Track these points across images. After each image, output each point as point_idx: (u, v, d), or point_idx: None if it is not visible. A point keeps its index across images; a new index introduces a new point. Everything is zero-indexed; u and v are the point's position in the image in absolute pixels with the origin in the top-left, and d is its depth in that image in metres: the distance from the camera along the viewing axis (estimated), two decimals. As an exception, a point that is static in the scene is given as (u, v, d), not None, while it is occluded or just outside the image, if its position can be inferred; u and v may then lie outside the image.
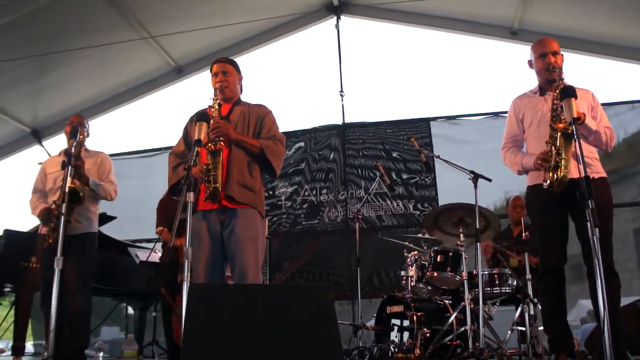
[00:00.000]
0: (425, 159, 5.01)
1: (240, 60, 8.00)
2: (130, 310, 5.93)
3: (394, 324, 4.48)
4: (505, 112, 3.82)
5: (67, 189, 3.50)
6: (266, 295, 2.40)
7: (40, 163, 4.84)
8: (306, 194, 7.41)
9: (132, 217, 7.24)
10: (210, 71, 3.56)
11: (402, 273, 4.87)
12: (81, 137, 4.21)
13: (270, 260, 6.18)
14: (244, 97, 3.66)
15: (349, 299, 6.39)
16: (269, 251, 6.15)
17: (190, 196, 2.65)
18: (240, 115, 3.47)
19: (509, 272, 4.49)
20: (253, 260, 3.21)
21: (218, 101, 3.42)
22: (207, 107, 3.48)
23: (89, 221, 4.32)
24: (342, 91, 7.62)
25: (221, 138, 3.20)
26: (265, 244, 3.50)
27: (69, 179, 3.55)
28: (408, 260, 4.86)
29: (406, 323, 4.34)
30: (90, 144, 4.56)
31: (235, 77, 3.58)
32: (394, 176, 7.06)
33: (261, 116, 3.51)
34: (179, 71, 7.96)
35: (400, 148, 7.25)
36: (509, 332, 4.25)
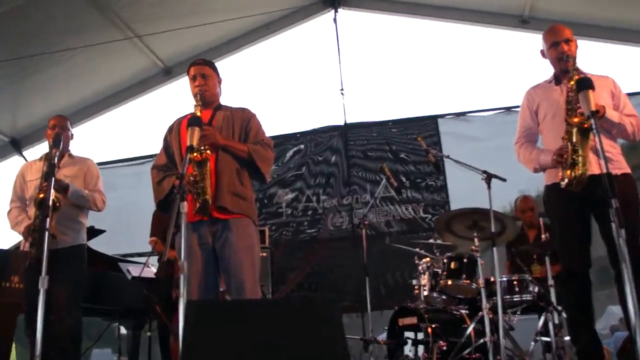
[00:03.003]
0: (434, 159, 4.97)
1: (232, 59, 8.07)
2: (123, 331, 5.87)
3: (408, 337, 4.45)
4: (518, 107, 3.79)
5: (50, 203, 3.39)
6: (269, 311, 2.38)
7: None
8: (308, 200, 7.39)
9: (122, 229, 7.23)
10: (188, 74, 3.54)
11: (414, 282, 4.86)
12: (65, 143, 4.15)
13: (272, 272, 6.15)
14: (226, 100, 3.64)
15: (357, 311, 6.37)
16: (271, 262, 6.12)
17: (185, 206, 2.62)
18: (223, 120, 3.45)
19: (530, 278, 4.46)
20: (250, 271, 3.20)
21: (199, 107, 3.38)
22: (186, 114, 3.44)
23: (76, 232, 4.23)
24: (342, 89, 7.62)
25: (207, 147, 3.17)
26: (260, 255, 3.47)
27: (52, 192, 3.45)
28: (420, 268, 4.84)
29: (420, 336, 4.31)
30: (74, 150, 4.48)
31: (215, 79, 3.55)
32: (401, 178, 7.04)
33: (246, 120, 3.50)
34: (167, 72, 7.96)
35: (407, 148, 7.23)
36: (533, 343, 4.21)
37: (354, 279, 6.77)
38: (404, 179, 7.08)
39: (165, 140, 3.54)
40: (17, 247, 4.77)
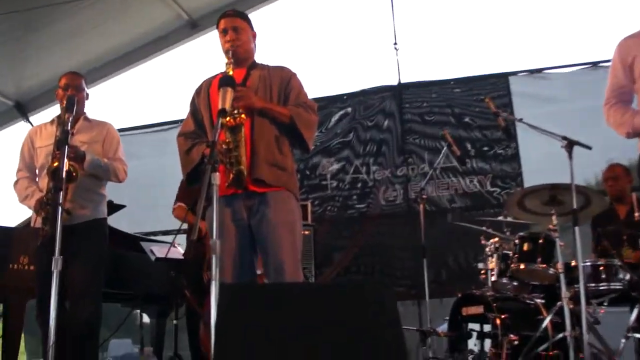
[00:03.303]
0: (505, 124, 4.88)
1: (267, 10, 8.04)
2: (146, 319, 6.01)
3: (472, 330, 4.44)
4: (607, 61, 3.69)
5: (63, 174, 3.41)
6: (313, 296, 2.38)
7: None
8: (356, 171, 7.39)
9: (143, 205, 7.41)
10: (217, 28, 3.51)
11: (480, 265, 4.83)
12: (80, 105, 4.12)
13: (315, 253, 6.20)
14: (261, 58, 3.61)
15: (413, 298, 6.41)
16: (314, 241, 6.16)
17: (217, 177, 2.64)
18: (259, 80, 3.43)
19: (620, 264, 4.36)
20: (290, 251, 3.22)
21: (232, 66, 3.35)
22: (217, 74, 3.44)
23: (95, 205, 4.20)
24: (396, 44, 7.56)
25: (241, 110, 3.16)
26: (302, 233, 3.48)
27: (66, 161, 3.46)
28: (487, 249, 4.80)
29: (487, 328, 4.29)
30: (90, 114, 4.42)
31: (248, 33, 3.52)
32: (466, 146, 6.98)
33: (285, 80, 3.47)
34: (193, 26, 8.02)
35: (473, 111, 7.16)
36: (623, 340, 4.13)
37: (409, 261, 6.81)
38: (468, 147, 7.03)
39: (193, 103, 3.55)
40: (26, 223, 4.87)
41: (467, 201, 6.98)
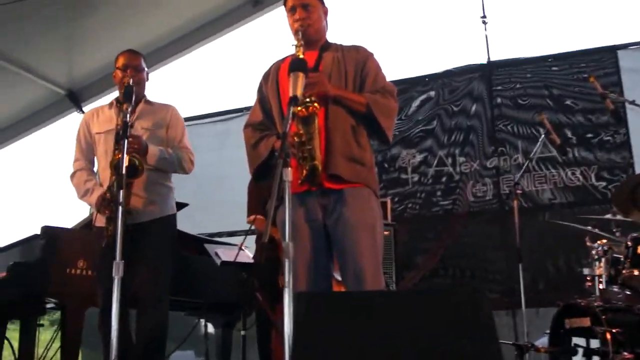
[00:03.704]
0: (613, 106, 4.78)
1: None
2: (210, 328, 6.11)
3: (577, 345, 4.37)
4: None
5: (123, 170, 3.44)
6: (397, 305, 2.40)
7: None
8: (440, 163, 7.37)
9: (203, 203, 7.53)
10: (285, 5, 3.53)
11: (585, 271, 4.74)
12: (140, 87, 4.15)
13: (396, 255, 6.21)
14: (334, 36, 3.63)
15: (507, 307, 6.34)
16: (394, 243, 6.17)
17: (289, 173, 2.67)
18: (333, 63, 3.44)
19: None
20: (371, 255, 3.22)
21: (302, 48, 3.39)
22: (286, 57, 3.48)
23: (163, 199, 4.22)
24: (484, 17, 7.49)
25: (314, 98, 3.14)
26: (383, 234, 3.49)
27: (125, 157, 3.48)
28: (593, 252, 4.71)
29: (595, 343, 4.22)
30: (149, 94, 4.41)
31: (319, 10, 3.52)
32: (567, 133, 6.88)
33: (361, 62, 3.47)
34: (256, 2, 8.10)
35: (574, 92, 7.04)
36: None
37: (502, 265, 6.76)
38: (569, 134, 6.92)
39: (260, 90, 3.59)
40: (85, 223, 5.04)
41: (569, 196, 6.86)
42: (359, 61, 3.48)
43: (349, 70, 3.44)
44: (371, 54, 3.54)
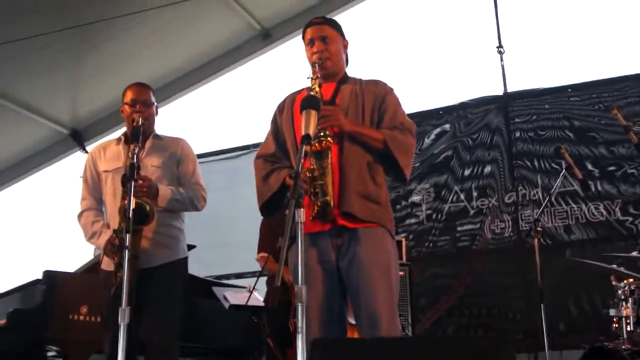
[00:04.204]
0: (638, 138, 4.78)
1: (350, 14, 8.10)
2: (219, 375, 6.08)
3: (604, 390, 4.31)
4: None
5: (130, 214, 3.44)
6: (415, 354, 2.38)
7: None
8: (456, 198, 7.33)
9: (213, 243, 7.53)
10: (303, 38, 3.55)
11: (612, 312, 4.68)
12: (149, 122, 4.12)
13: (411, 297, 6.16)
14: (353, 70, 3.63)
15: (529, 350, 6.30)
16: (409, 283, 6.13)
17: (302, 214, 2.65)
18: (350, 97, 3.44)
19: None
20: (385, 298, 3.19)
21: (318, 80, 3.37)
22: (302, 89, 3.49)
23: (175, 241, 4.14)
24: (500, 47, 7.51)
25: (328, 132, 3.17)
26: (399, 276, 3.45)
27: (132, 200, 3.49)
28: (619, 292, 4.66)
29: (623, 388, 4.16)
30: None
31: (339, 43, 3.53)
32: (588, 166, 6.84)
33: (380, 97, 3.47)
34: (266, 36, 8.17)
35: (596, 123, 6.99)
36: None
37: (522, 305, 6.70)
38: (591, 167, 6.86)
39: (275, 122, 3.59)
40: (90, 265, 5.02)
41: (591, 233, 6.79)
42: (378, 96, 3.47)
43: (367, 104, 3.44)
44: (391, 89, 3.54)
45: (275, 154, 3.51)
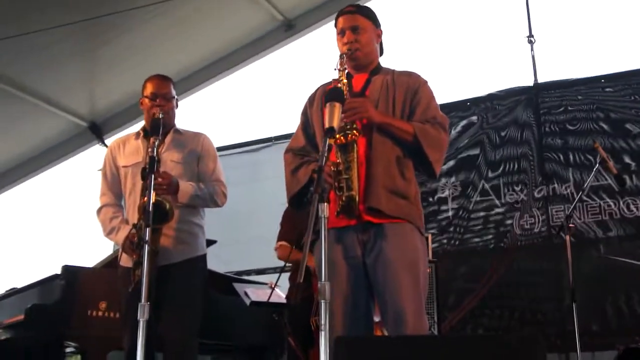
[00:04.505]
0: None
1: (376, 3, 8.05)
2: (237, 373, 6.10)
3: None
4: None
5: (150, 207, 3.45)
6: (442, 352, 2.36)
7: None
8: (484, 193, 7.29)
9: (233, 239, 7.56)
10: (335, 27, 3.54)
11: (647, 311, 4.65)
12: (170, 116, 4.12)
13: (437, 294, 6.13)
14: (387, 61, 3.61)
15: (560, 350, 6.28)
16: (435, 281, 6.10)
17: (325, 209, 2.63)
18: (381, 88, 3.43)
19: None
20: (412, 296, 3.17)
21: (347, 71, 3.37)
22: (332, 80, 3.44)
23: (194, 238, 4.16)
24: (531, 36, 7.47)
25: (355, 125, 3.16)
26: (427, 274, 3.43)
27: (153, 193, 3.51)
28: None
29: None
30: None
31: (372, 33, 3.52)
32: (626, 160, 6.77)
33: (412, 89, 3.44)
34: (289, 27, 8.17)
35: (632, 114, 6.90)
36: None
37: (552, 304, 6.64)
38: (628, 161, 6.79)
39: (305, 114, 3.58)
40: (109, 260, 5.05)
41: (627, 229, 6.70)
42: (410, 88, 3.45)
43: (398, 96, 3.42)
44: (425, 82, 3.51)
45: (305, 148, 3.52)
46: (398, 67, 3.58)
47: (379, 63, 3.57)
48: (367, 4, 7.76)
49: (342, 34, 3.46)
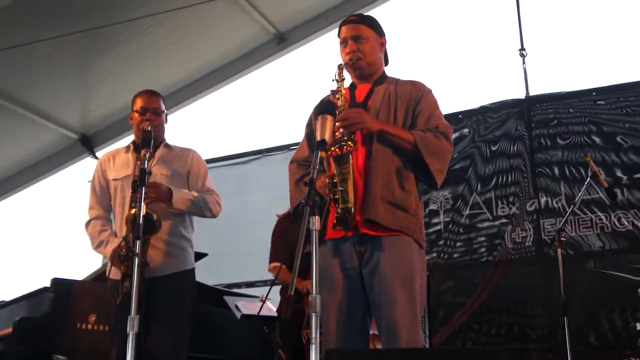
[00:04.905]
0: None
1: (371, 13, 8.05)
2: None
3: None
4: None
5: (140, 220, 3.46)
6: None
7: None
8: (476, 207, 7.28)
9: (223, 251, 7.51)
10: (338, 37, 3.56)
11: (639, 326, 4.64)
12: (159, 131, 4.15)
13: (429, 308, 6.13)
14: (393, 70, 3.63)
15: (552, 365, 6.18)
16: (427, 294, 6.10)
17: (315, 222, 2.64)
18: (383, 98, 3.43)
19: None
20: (407, 310, 3.17)
21: (351, 82, 3.41)
22: (329, 93, 3.45)
23: (182, 252, 4.17)
24: (523, 49, 7.47)
25: (352, 137, 3.15)
26: (424, 288, 3.42)
27: (143, 205, 3.51)
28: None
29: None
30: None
31: (375, 42, 3.53)
32: (617, 173, 6.76)
33: (415, 98, 3.45)
34: (282, 40, 8.18)
35: (624, 128, 6.88)
36: None
37: (543, 319, 6.63)
38: (619, 174, 6.76)
39: (310, 125, 3.60)
40: (99, 274, 5.03)
41: (618, 242, 6.66)
42: (413, 97, 3.46)
43: (400, 106, 3.42)
44: (428, 91, 3.52)
45: (309, 159, 3.52)
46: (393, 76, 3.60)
47: (383, 72, 3.59)
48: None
49: (344, 43, 3.48)
